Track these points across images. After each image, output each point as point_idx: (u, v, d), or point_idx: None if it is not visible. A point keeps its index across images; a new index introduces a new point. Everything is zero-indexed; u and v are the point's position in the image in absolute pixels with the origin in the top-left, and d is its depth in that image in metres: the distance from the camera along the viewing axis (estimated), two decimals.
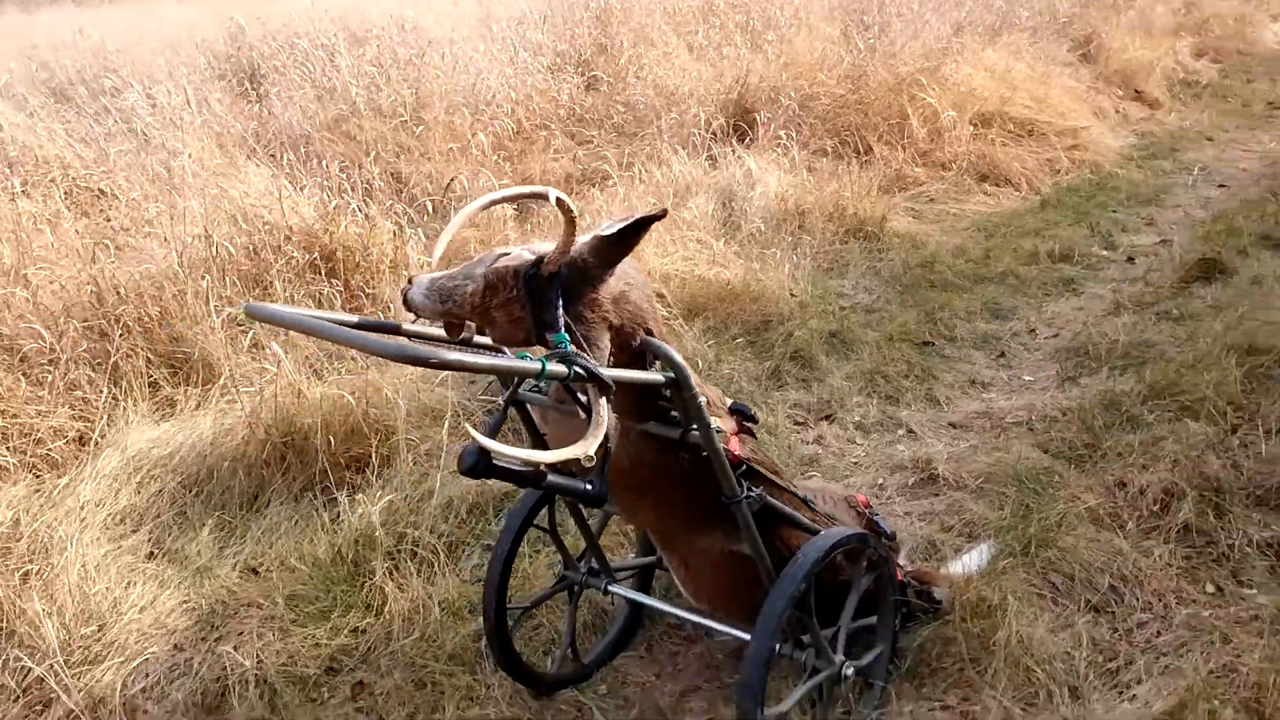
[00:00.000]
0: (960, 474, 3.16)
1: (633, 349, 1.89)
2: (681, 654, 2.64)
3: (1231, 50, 9.63)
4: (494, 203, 1.94)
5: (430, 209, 5.02)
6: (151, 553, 3.03)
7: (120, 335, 3.67)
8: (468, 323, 1.97)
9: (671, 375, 1.84)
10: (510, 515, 2.41)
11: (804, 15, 9.00)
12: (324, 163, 5.34)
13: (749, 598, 2.24)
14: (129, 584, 2.82)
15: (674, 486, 2.08)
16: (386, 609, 2.70)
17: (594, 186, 6.14)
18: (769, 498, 2.08)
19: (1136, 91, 8.21)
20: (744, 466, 2.07)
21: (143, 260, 4.13)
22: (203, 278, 3.89)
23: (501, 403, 2.06)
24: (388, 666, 2.58)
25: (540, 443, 2.24)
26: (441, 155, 6.38)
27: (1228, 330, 3.71)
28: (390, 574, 2.78)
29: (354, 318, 1.85)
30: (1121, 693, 2.26)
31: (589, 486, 1.72)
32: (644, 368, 1.92)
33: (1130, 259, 5.05)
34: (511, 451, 1.59)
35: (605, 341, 1.82)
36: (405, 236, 4.35)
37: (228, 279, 4.00)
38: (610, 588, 2.50)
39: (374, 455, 3.26)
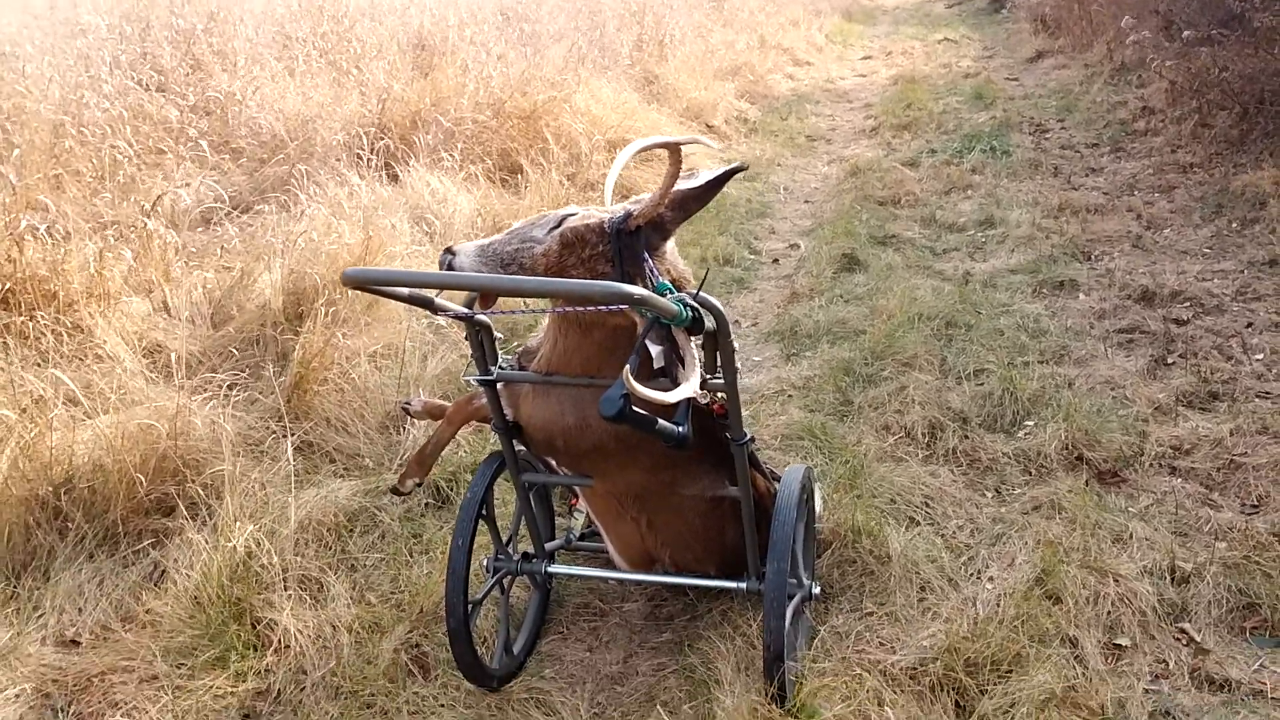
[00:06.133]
0: (760, 436, 3.55)
1: None
2: (601, 627, 2.71)
3: (760, 94, 11.31)
4: (648, 148, 1.97)
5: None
6: None
7: None
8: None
9: (714, 324, 1.98)
10: (464, 506, 2.34)
11: (382, 47, 9.11)
12: None
13: (720, 543, 2.42)
14: None
15: None
16: (292, 643, 2.44)
17: (244, 213, 5.79)
18: None
19: (708, 126, 9.39)
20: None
21: None
22: None
23: (474, 382, 2.08)
24: (316, 699, 2.35)
25: (504, 424, 2.24)
26: (47, 181, 5.56)
27: (900, 305, 4.53)
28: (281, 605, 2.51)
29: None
30: (979, 576, 2.76)
31: (682, 429, 1.81)
32: None
33: (775, 260, 5.88)
34: (647, 393, 1.65)
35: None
36: (114, 257, 3.81)
37: None
38: (550, 569, 2.52)
39: (191, 493, 2.88)
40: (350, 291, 3.97)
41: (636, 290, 1.59)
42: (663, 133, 8.00)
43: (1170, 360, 3.92)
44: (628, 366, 1.63)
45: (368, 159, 5.96)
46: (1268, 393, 3.60)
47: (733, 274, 5.54)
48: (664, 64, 10.60)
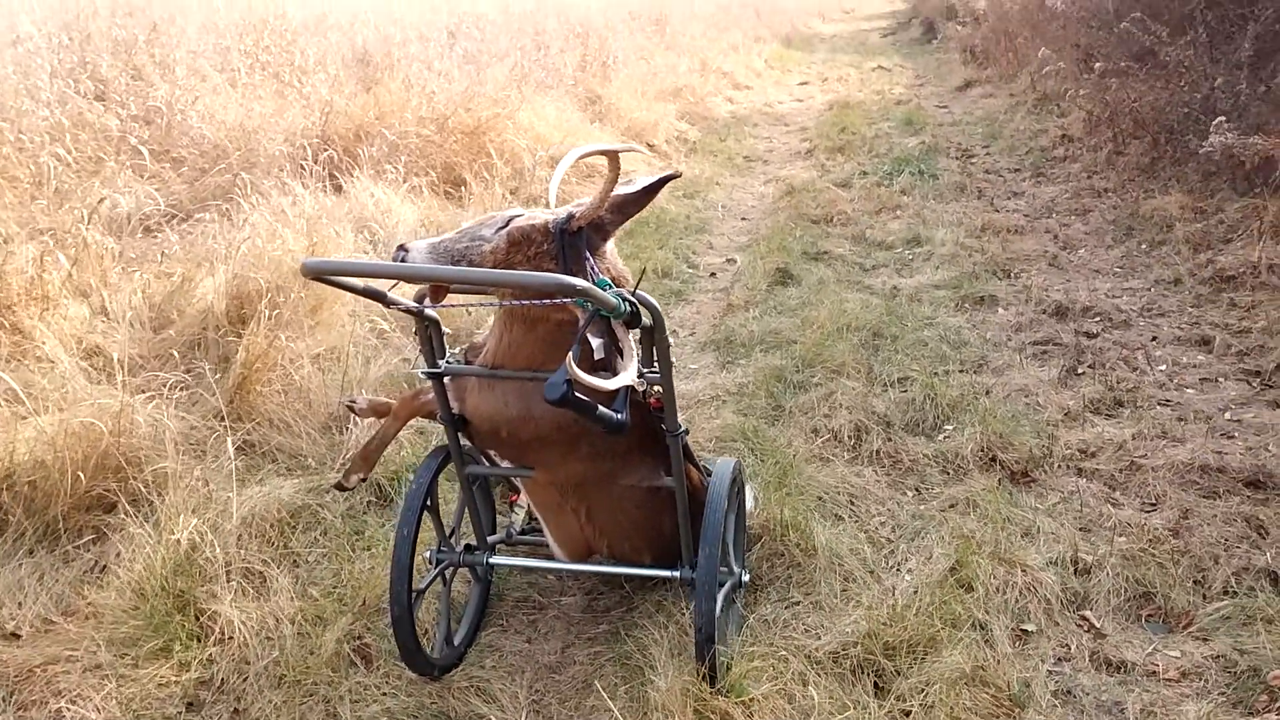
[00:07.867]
0: (695, 439, 3.68)
1: None
2: (539, 619, 2.81)
3: (700, 116, 11.55)
4: (590, 154, 2.09)
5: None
6: None
7: None
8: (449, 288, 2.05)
9: (650, 320, 2.11)
10: (409, 497, 2.43)
11: (324, 62, 9.15)
12: None
13: (657, 532, 2.54)
14: None
15: None
16: (235, 634, 2.50)
17: (184, 221, 5.80)
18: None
19: (649, 145, 9.57)
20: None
21: None
22: None
23: (421, 375, 2.19)
24: (259, 688, 2.41)
25: (450, 417, 2.34)
26: None
27: (829, 317, 4.72)
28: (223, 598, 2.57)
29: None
30: (899, 568, 2.92)
31: (620, 415, 1.93)
32: None
33: (712, 274, 6.04)
34: (589, 379, 1.77)
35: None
36: (52, 262, 3.83)
37: None
38: (492, 560, 2.61)
39: (133, 490, 2.91)
40: (292, 295, 4.03)
41: (580, 282, 1.71)
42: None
43: (1080, 370, 4.14)
44: (570, 354, 1.75)
45: (311, 169, 6.01)
46: (1168, 400, 3.84)
47: (671, 286, 5.69)
48: (607, 84, 10.78)
